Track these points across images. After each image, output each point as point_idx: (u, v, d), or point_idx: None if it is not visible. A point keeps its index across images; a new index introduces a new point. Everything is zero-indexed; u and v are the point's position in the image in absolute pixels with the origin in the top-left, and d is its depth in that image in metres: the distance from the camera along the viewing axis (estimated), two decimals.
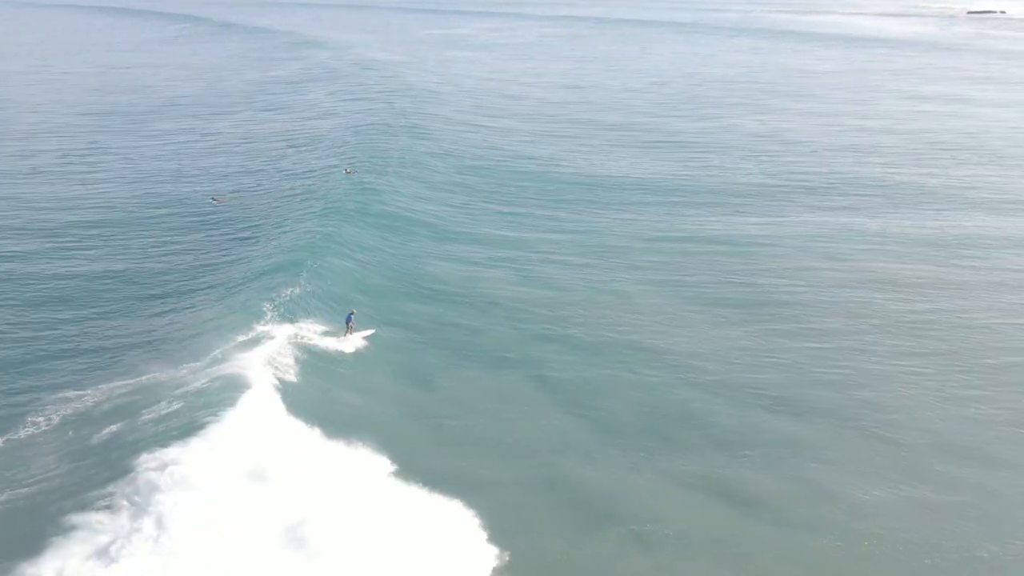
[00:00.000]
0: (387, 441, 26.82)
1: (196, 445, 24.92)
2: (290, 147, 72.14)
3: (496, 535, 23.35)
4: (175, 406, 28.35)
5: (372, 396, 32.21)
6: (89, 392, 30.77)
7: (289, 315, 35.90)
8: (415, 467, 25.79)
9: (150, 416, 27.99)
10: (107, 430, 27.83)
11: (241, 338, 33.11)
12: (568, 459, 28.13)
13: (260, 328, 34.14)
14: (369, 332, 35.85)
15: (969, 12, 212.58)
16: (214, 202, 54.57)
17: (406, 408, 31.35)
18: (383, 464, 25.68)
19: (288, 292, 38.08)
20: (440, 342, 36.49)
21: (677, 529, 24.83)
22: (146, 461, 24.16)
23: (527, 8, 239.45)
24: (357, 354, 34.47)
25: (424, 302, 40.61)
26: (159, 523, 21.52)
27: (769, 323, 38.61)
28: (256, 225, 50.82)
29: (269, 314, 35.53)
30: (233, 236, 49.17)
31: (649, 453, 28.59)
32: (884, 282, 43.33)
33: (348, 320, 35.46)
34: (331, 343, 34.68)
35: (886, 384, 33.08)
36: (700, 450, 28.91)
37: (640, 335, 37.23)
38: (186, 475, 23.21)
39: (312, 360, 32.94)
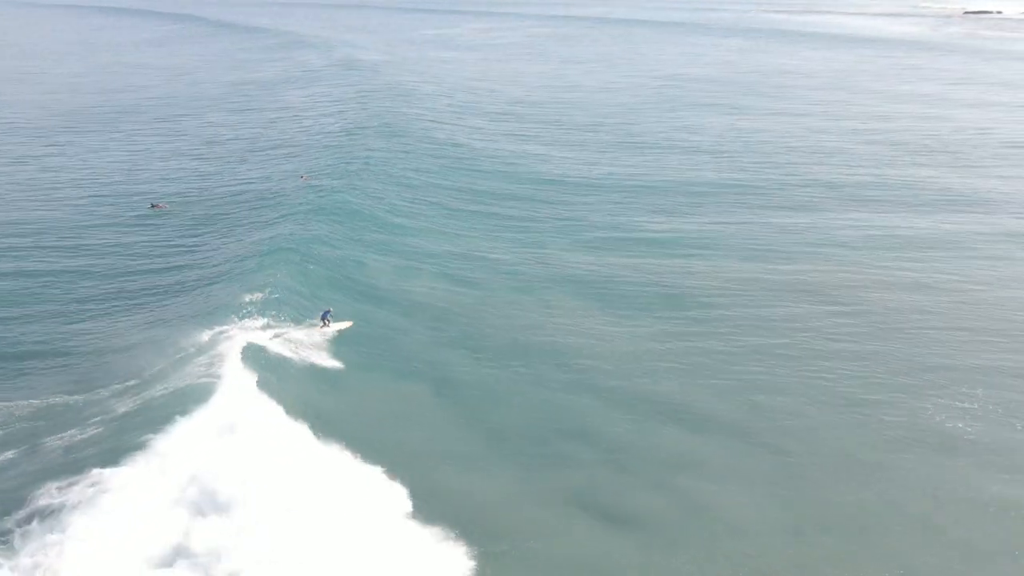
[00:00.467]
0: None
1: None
2: (252, 150, 71.54)
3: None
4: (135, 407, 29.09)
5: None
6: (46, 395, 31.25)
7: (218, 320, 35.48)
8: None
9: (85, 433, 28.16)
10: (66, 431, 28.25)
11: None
12: (445, 469, 27.41)
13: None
14: (347, 324, 36.30)
15: (966, 12, 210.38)
16: (152, 208, 53.87)
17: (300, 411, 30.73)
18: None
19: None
20: (358, 341, 35.90)
21: (541, 547, 24.01)
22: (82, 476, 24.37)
23: (524, 8, 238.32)
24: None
25: (354, 301, 40.01)
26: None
27: (685, 328, 37.78)
28: (199, 231, 50.44)
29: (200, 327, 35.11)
30: (173, 244, 48.64)
31: (532, 465, 27.82)
32: (812, 285, 42.49)
33: (324, 317, 35.83)
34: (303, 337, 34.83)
35: (790, 393, 32.17)
36: (586, 463, 28.08)
37: (554, 340, 36.50)
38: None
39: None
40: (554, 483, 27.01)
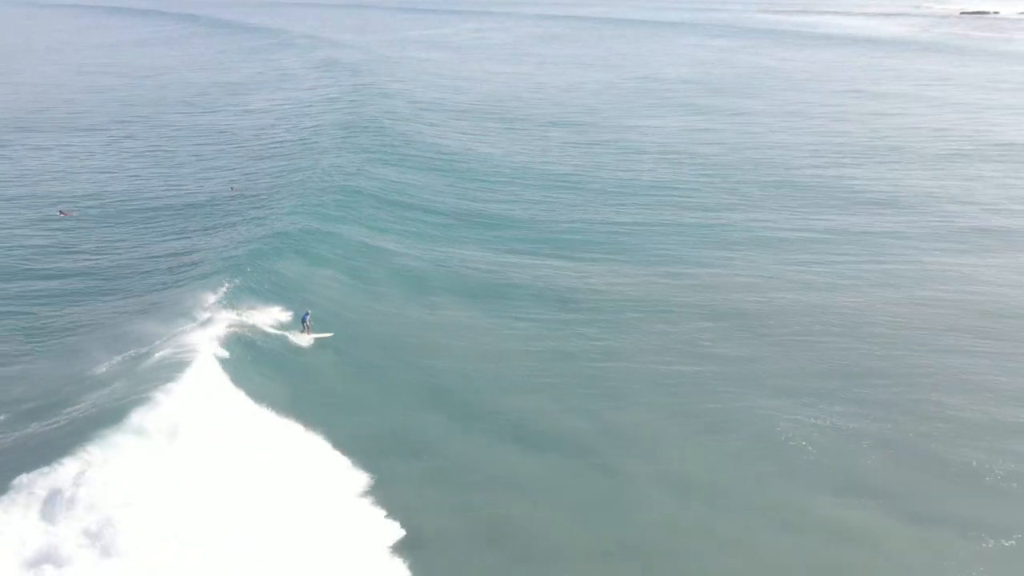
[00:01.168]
0: None
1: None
2: (193, 156, 70.60)
3: None
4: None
5: None
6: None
7: None
8: None
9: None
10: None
11: None
12: None
13: None
14: (327, 335, 35.52)
15: (962, 12, 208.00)
16: (60, 215, 53.18)
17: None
18: None
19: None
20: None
21: None
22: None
23: (523, 7, 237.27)
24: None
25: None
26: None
27: (563, 337, 36.61)
28: (109, 240, 49.82)
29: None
30: (79, 249, 48.10)
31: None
32: (706, 286, 41.80)
33: (304, 319, 35.27)
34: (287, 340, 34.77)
35: (643, 409, 30.95)
36: (403, 477, 26.75)
37: (425, 349, 35.38)
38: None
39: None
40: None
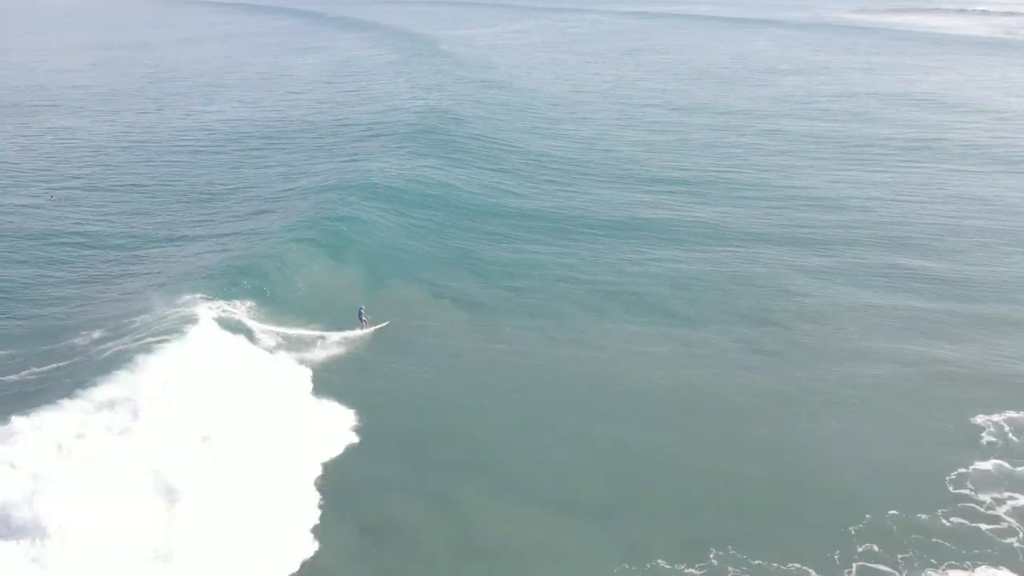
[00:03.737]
0: None
1: None
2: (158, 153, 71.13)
3: None
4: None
5: None
6: None
7: None
8: None
9: None
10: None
11: None
12: None
13: None
14: (384, 324, 37.08)
15: None
16: (52, 200, 55.85)
17: None
18: None
19: None
20: None
21: None
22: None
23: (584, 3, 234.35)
24: None
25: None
26: None
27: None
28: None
29: None
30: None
31: None
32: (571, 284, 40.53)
33: (360, 315, 36.75)
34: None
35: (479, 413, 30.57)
36: None
37: None
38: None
39: None
40: None
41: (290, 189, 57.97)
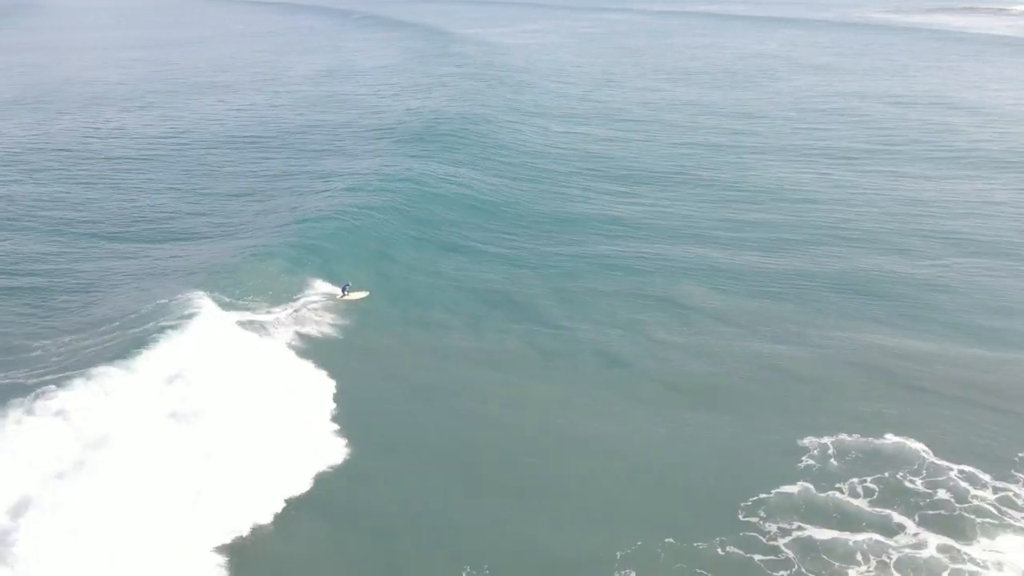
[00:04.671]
0: None
1: None
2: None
3: None
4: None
5: None
6: None
7: None
8: None
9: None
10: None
11: None
12: None
13: None
14: (363, 294, 39.32)
15: None
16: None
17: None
18: None
19: None
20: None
21: None
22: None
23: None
24: None
25: None
26: None
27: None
28: None
29: None
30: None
31: None
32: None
33: (344, 289, 39.01)
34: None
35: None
36: None
37: None
38: None
39: None
40: None
41: (297, 187, 58.35)
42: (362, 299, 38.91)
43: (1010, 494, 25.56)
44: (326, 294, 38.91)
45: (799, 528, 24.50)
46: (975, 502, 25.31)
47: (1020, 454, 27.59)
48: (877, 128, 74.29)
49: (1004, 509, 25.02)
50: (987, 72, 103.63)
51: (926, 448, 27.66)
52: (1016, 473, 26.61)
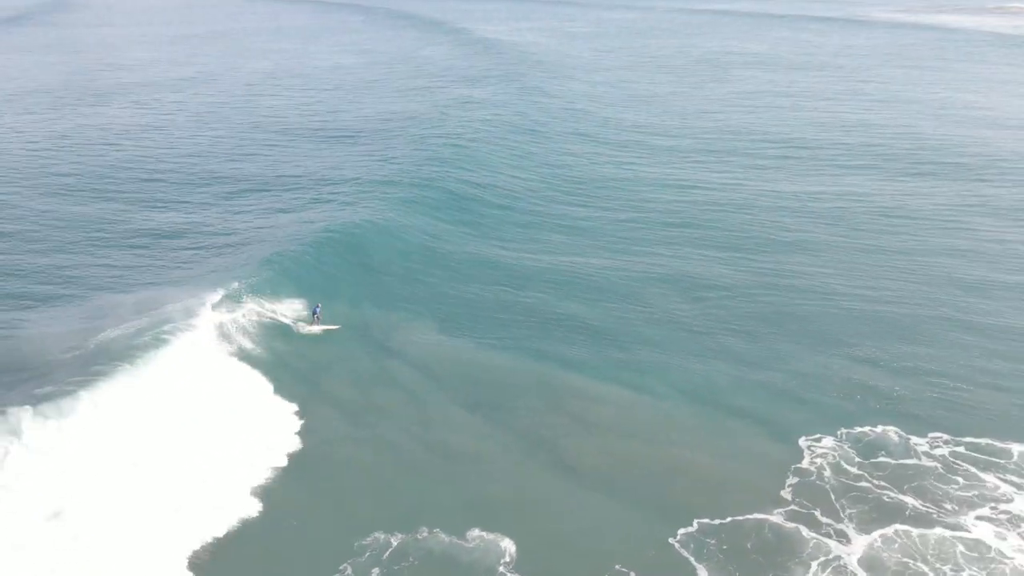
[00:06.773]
0: None
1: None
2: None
3: None
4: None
5: None
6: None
7: None
8: None
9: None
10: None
11: None
12: None
13: None
14: (335, 327, 38.07)
15: None
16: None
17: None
18: None
19: None
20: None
21: None
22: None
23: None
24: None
25: None
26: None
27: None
28: None
29: None
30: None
31: None
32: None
33: (315, 312, 37.95)
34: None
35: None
36: None
37: None
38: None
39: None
40: None
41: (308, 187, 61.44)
42: (333, 330, 37.67)
43: None
44: (296, 319, 38.01)
45: None
46: None
47: None
48: None
49: None
50: None
51: None
52: None
